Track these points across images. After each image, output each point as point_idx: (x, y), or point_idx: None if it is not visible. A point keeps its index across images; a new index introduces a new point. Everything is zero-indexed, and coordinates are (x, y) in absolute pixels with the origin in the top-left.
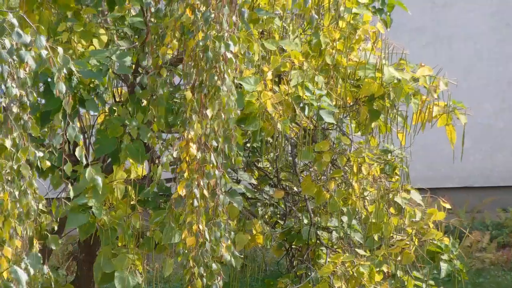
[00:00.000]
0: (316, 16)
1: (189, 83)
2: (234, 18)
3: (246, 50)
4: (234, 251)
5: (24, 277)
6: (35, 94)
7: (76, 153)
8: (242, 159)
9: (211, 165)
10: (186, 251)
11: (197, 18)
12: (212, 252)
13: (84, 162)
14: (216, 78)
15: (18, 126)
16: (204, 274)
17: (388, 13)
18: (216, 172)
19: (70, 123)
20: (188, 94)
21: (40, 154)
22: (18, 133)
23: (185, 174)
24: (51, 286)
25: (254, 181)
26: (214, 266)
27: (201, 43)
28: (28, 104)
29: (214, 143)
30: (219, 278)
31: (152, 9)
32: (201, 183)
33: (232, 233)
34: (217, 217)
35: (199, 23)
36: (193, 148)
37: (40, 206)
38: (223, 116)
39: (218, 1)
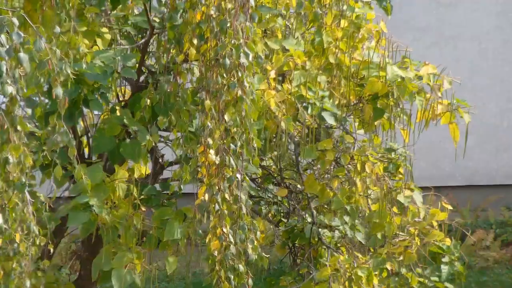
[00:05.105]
0: (320, 11)
1: (203, 89)
2: (248, 24)
3: (265, 53)
4: (261, 252)
5: None
6: (25, 90)
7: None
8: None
9: (230, 169)
10: (211, 255)
11: (212, 26)
12: (239, 255)
13: (76, 166)
14: (235, 87)
15: (8, 121)
16: (232, 277)
17: (389, 1)
18: (238, 175)
19: (65, 127)
20: (207, 103)
21: (26, 151)
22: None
23: (205, 179)
24: (54, 284)
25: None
26: (241, 268)
27: (218, 51)
28: (18, 99)
29: (232, 146)
30: (247, 279)
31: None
32: (222, 187)
33: (258, 233)
34: (241, 220)
35: (216, 30)
36: (211, 154)
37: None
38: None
39: (232, 8)
